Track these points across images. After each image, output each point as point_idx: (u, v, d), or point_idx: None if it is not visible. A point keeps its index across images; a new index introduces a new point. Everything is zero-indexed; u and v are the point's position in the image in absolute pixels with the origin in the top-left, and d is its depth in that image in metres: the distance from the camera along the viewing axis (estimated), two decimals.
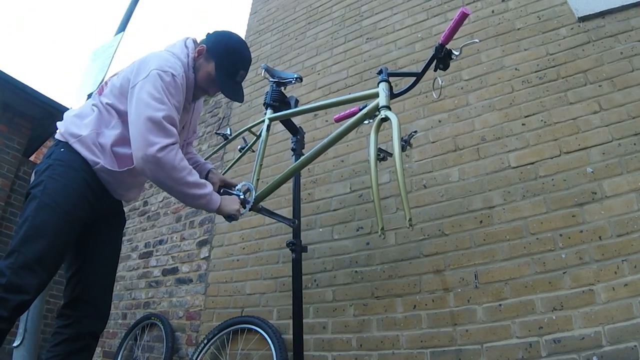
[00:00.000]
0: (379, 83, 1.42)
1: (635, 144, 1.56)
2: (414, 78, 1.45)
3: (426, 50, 2.29)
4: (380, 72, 1.45)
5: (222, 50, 1.50)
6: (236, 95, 1.57)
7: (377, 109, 1.37)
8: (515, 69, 1.96)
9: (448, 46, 1.31)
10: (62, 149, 1.37)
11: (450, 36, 1.27)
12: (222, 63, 1.49)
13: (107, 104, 1.43)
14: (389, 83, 1.42)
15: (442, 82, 1.45)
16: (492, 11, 2.18)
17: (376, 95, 1.40)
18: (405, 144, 1.56)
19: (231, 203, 1.50)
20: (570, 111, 1.74)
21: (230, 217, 1.51)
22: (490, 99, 1.96)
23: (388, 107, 1.35)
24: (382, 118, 1.32)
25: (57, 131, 1.45)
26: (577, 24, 1.89)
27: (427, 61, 1.35)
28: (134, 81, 1.37)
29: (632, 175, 1.51)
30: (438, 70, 1.36)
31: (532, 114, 1.82)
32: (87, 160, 1.36)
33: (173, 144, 1.31)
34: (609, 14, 1.84)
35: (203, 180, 1.41)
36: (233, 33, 1.58)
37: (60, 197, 1.28)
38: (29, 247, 1.19)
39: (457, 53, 1.29)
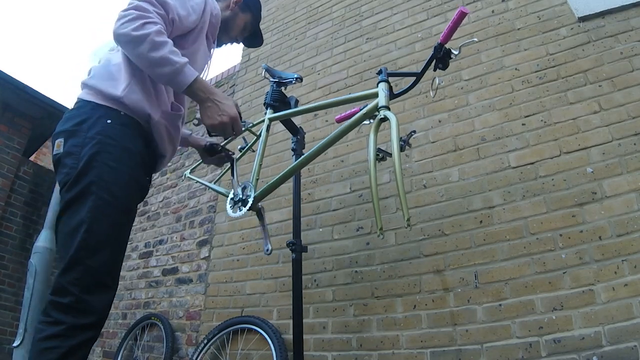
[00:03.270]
0: (378, 83, 1.42)
1: (635, 144, 1.55)
2: (414, 78, 1.45)
3: (426, 50, 2.29)
4: (380, 72, 1.45)
5: (256, 4, 1.64)
6: (261, 39, 1.75)
7: (376, 109, 1.37)
8: (515, 69, 1.96)
9: (447, 45, 1.31)
10: (108, 121, 1.11)
11: (449, 35, 1.27)
12: (258, 15, 1.65)
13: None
14: (389, 83, 1.42)
15: (440, 82, 1.45)
16: (492, 11, 2.18)
17: (376, 96, 1.40)
18: (405, 144, 1.56)
19: (226, 101, 1.21)
20: (570, 111, 1.74)
21: (221, 128, 1.20)
22: (490, 99, 1.96)
23: (387, 107, 1.34)
24: (382, 118, 1.32)
25: (84, 92, 1.19)
26: (577, 24, 1.89)
27: (426, 61, 1.35)
28: None
29: (632, 175, 1.51)
30: (438, 69, 1.36)
31: (532, 114, 1.81)
32: (145, 117, 1.18)
33: (150, 17, 1.12)
34: (609, 14, 1.84)
35: (173, 55, 1.13)
36: None
37: (119, 190, 1.07)
38: (95, 257, 1.00)
39: (456, 52, 1.29)
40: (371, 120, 1.44)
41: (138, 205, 1.31)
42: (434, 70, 1.37)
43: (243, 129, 1.83)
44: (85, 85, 1.20)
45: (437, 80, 1.39)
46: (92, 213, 1.01)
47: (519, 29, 2.05)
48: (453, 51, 1.30)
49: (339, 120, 1.81)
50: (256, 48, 1.77)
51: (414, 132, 1.67)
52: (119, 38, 1.11)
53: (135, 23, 1.09)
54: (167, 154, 1.32)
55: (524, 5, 2.09)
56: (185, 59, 1.14)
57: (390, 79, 1.44)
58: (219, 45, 1.59)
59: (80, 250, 0.99)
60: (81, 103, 1.16)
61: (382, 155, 1.53)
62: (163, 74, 1.11)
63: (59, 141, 1.12)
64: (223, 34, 1.54)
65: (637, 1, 1.77)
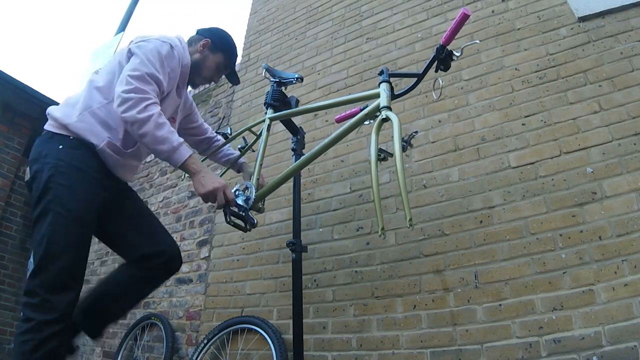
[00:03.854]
0: (380, 83, 1.42)
1: (635, 144, 1.56)
2: (415, 79, 1.45)
3: (426, 50, 2.29)
4: (381, 73, 1.45)
5: (225, 45, 1.70)
6: (237, 79, 1.82)
7: (378, 109, 1.37)
8: (515, 69, 1.96)
9: (449, 47, 1.31)
10: (60, 146, 1.33)
11: (451, 37, 1.27)
12: (229, 55, 1.70)
13: (95, 86, 1.43)
14: (390, 83, 1.42)
15: (442, 82, 1.45)
16: (492, 11, 2.18)
17: (377, 96, 1.40)
18: (406, 144, 1.56)
19: (210, 176, 1.35)
20: (570, 111, 1.74)
21: (212, 194, 1.33)
22: (490, 99, 1.96)
23: (389, 108, 1.35)
24: (383, 118, 1.32)
25: (47, 122, 1.41)
26: (577, 24, 1.89)
27: (428, 62, 1.35)
28: (132, 52, 1.41)
29: (632, 175, 1.52)
30: (439, 71, 1.36)
31: (532, 114, 1.82)
32: (89, 143, 1.35)
33: (150, 98, 1.32)
34: (609, 14, 1.84)
35: (171, 135, 1.33)
36: (224, 30, 1.76)
37: (72, 204, 1.26)
38: (56, 263, 1.20)
39: (458, 54, 1.29)
40: (372, 121, 1.44)
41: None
42: (436, 71, 1.37)
43: (237, 136, 1.88)
44: (48, 114, 1.43)
45: (439, 81, 1.39)
46: (51, 227, 1.22)
47: (519, 29, 2.05)
48: (455, 53, 1.30)
49: (339, 121, 1.81)
50: (235, 83, 1.86)
51: (416, 132, 1.67)
52: (126, 119, 1.29)
53: (139, 106, 1.28)
54: (122, 177, 1.51)
55: (524, 5, 2.09)
56: (181, 140, 1.35)
57: (391, 79, 1.44)
58: (194, 87, 1.72)
59: (44, 258, 1.19)
60: (43, 133, 1.41)
61: (383, 155, 1.53)
62: (163, 151, 1.30)
63: (27, 169, 1.36)
64: (196, 76, 1.65)
65: (637, 1, 1.77)
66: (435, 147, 2.00)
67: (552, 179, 1.66)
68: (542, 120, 1.78)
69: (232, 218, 1.45)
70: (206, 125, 1.95)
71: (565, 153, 1.68)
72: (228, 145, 1.98)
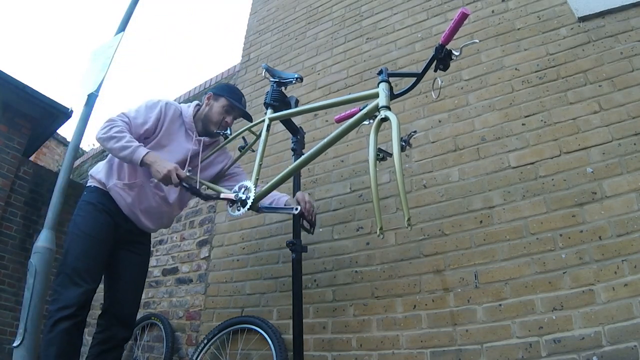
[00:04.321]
0: (379, 83, 1.42)
1: (635, 144, 1.56)
2: (414, 78, 1.44)
3: (426, 50, 2.29)
4: (380, 73, 1.44)
5: (224, 89, 1.97)
6: (249, 116, 2.01)
7: (377, 109, 1.37)
8: (515, 69, 1.96)
9: (448, 46, 1.31)
10: (85, 192, 1.82)
11: (450, 37, 1.27)
12: (230, 95, 1.93)
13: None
14: (389, 83, 1.42)
15: (442, 82, 1.45)
16: (492, 11, 2.18)
17: (376, 96, 1.40)
18: (405, 144, 1.55)
19: (163, 162, 1.63)
20: (570, 111, 1.74)
21: (166, 177, 1.60)
22: (490, 99, 1.96)
23: (388, 108, 1.34)
24: (382, 118, 1.32)
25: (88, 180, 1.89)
26: (577, 24, 1.89)
27: (427, 62, 1.35)
28: None
29: (632, 175, 1.52)
30: (438, 70, 1.36)
31: (532, 114, 1.82)
32: (100, 185, 1.78)
33: (115, 124, 1.69)
34: (609, 14, 1.84)
35: (129, 143, 1.67)
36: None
37: (83, 226, 1.70)
38: (68, 267, 1.62)
39: (457, 53, 1.29)
40: (371, 121, 1.44)
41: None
42: (435, 71, 1.37)
43: (231, 135, 1.93)
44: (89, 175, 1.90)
45: (438, 81, 1.39)
46: (69, 243, 1.69)
47: (519, 29, 2.05)
48: (454, 52, 1.29)
49: (338, 120, 1.81)
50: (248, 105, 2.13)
51: (415, 132, 1.67)
52: (99, 141, 1.71)
53: (105, 128, 1.68)
54: (128, 212, 1.79)
55: (524, 5, 2.09)
56: (138, 144, 1.66)
57: (390, 79, 1.44)
58: (210, 135, 1.93)
59: (62, 265, 1.64)
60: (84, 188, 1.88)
61: (382, 155, 1.53)
62: (126, 156, 1.65)
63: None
64: (209, 124, 1.91)
65: (637, 1, 1.77)
66: (435, 147, 2.00)
67: (552, 179, 1.66)
68: (542, 120, 1.78)
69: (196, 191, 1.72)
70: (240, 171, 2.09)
71: (565, 153, 1.68)
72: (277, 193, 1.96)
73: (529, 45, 1.98)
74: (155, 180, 1.69)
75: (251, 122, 1.97)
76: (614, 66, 1.73)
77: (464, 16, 1.21)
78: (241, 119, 2.04)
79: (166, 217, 1.94)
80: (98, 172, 1.83)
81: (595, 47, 1.80)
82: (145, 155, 1.64)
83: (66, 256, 1.64)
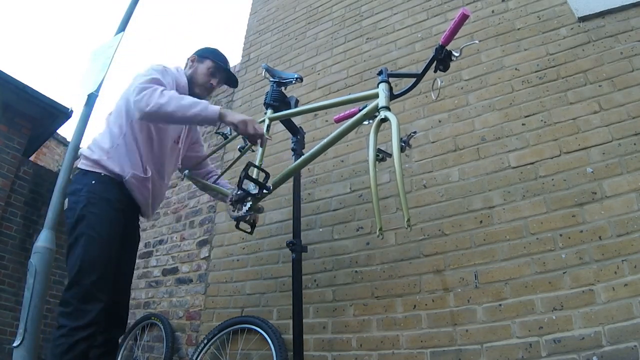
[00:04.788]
0: (378, 84, 1.42)
1: (635, 144, 1.56)
2: (414, 79, 1.44)
3: (426, 50, 2.29)
4: (380, 73, 1.44)
5: (209, 51, 1.87)
6: (236, 81, 1.94)
7: (376, 109, 1.36)
8: (515, 69, 1.96)
9: (448, 47, 1.31)
10: (93, 182, 1.55)
11: (450, 37, 1.27)
12: (216, 57, 1.84)
13: (110, 125, 1.65)
14: (389, 84, 1.42)
15: (441, 82, 1.45)
16: (492, 11, 2.18)
17: (376, 96, 1.40)
18: (405, 144, 1.55)
19: (242, 115, 1.51)
20: (570, 111, 1.74)
21: (252, 136, 1.48)
22: (490, 99, 1.96)
23: (388, 108, 1.34)
24: (382, 118, 1.32)
25: (80, 161, 1.63)
26: (577, 24, 1.89)
27: (427, 62, 1.35)
28: (129, 85, 1.62)
29: (632, 175, 1.52)
30: (438, 71, 1.36)
31: (532, 114, 1.82)
32: (117, 177, 1.57)
33: (162, 87, 1.52)
34: (609, 14, 1.84)
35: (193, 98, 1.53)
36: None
37: (102, 228, 1.49)
38: (87, 278, 1.40)
39: (457, 54, 1.29)
40: (371, 121, 1.44)
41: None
42: (435, 72, 1.36)
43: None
44: (80, 154, 1.65)
45: (438, 81, 1.39)
46: (85, 247, 1.44)
47: (519, 29, 2.05)
48: (454, 53, 1.29)
49: (338, 121, 1.81)
50: (234, 87, 2.02)
51: (415, 132, 1.67)
52: (150, 111, 1.46)
53: (155, 94, 1.47)
54: (142, 203, 1.69)
55: (524, 5, 2.09)
56: (204, 102, 1.51)
57: (390, 79, 1.44)
58: (200, 98, 1.77)
59: (78, 274, 1.41)
60: (77, 171, 1.62)
61: (382, 155, 1.53)
62: (198, 112, 1.46)
63: (66, 200, 1.61)
64: (195, 87, 1.80)
65: (637, 1, 1.77)
66: (435, 147, 2.00)
67: (552, 179, 1.66)
68: (542, 120, 1.78)
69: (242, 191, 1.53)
70: (208, 162, 2.09)
71: (565, 153, 1.68)
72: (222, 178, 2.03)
73: (529, 45, 1.98)
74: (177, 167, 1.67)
75: (236, 87, 1.99)
76: (614, 66, 1.73)
77: (464, 17, 1.21)
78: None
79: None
80: (107, 156, 1.57)
81: (595, 47, 1.80)
82: (221, 109, 1.50)
83: (82, 263, 1.41)
